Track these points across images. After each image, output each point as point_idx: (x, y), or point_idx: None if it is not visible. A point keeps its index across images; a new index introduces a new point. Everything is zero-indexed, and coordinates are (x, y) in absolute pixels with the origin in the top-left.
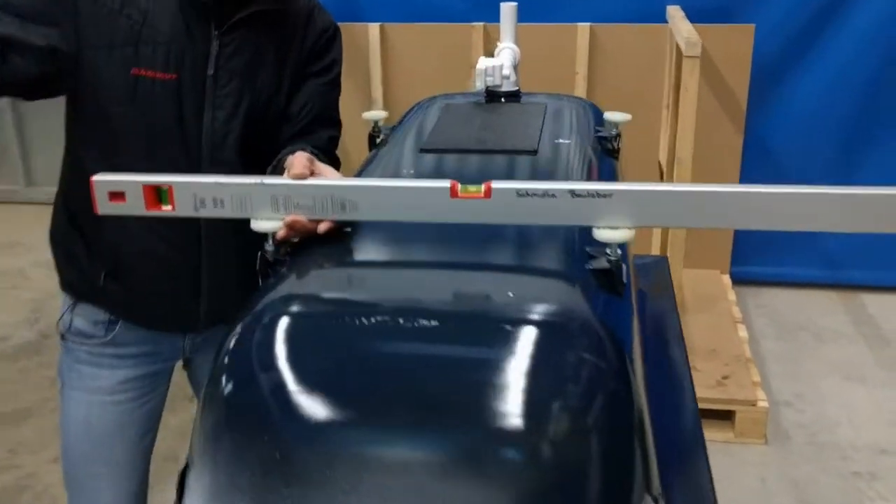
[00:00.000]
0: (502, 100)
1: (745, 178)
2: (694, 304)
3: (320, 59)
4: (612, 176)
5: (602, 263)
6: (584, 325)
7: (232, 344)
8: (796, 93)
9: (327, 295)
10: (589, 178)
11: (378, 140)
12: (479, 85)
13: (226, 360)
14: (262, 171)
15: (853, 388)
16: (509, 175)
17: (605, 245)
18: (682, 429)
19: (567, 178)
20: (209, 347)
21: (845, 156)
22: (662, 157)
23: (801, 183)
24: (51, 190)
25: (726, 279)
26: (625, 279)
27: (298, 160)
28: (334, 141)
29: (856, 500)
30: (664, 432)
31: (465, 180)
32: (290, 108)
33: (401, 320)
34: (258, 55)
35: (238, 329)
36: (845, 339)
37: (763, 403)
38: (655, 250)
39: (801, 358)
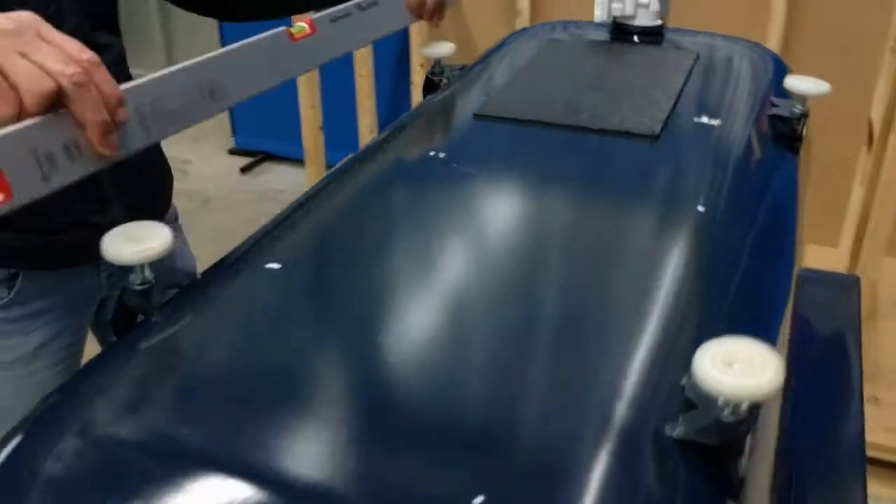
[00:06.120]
0: (635, 38)
1: None
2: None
3: None
4: (787, 181)
5: None
6: None
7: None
8: None
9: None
10: (744, 188)
11: (436, 86)
12: (600, 14)
13: None
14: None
15: None
16: (603, 179)
17: None
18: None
19: (699, 190)
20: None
21: None
22: (876, 114)
23: None
24: None
25: None
26: None
27: None
28: None
29: None
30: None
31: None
32: None
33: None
34: None
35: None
36: None
37: None
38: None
39: None
